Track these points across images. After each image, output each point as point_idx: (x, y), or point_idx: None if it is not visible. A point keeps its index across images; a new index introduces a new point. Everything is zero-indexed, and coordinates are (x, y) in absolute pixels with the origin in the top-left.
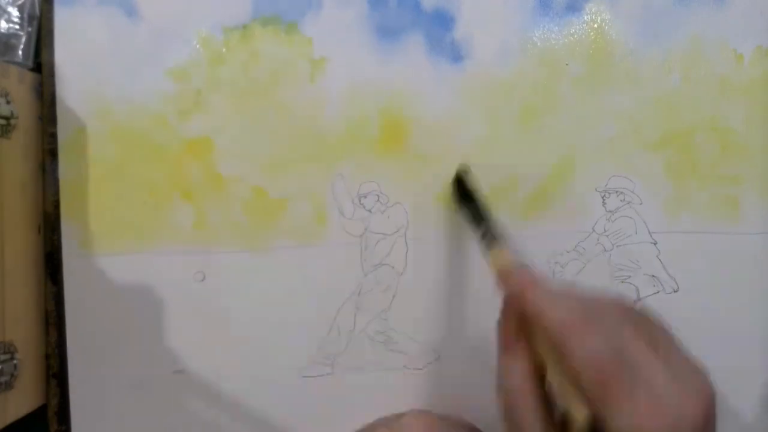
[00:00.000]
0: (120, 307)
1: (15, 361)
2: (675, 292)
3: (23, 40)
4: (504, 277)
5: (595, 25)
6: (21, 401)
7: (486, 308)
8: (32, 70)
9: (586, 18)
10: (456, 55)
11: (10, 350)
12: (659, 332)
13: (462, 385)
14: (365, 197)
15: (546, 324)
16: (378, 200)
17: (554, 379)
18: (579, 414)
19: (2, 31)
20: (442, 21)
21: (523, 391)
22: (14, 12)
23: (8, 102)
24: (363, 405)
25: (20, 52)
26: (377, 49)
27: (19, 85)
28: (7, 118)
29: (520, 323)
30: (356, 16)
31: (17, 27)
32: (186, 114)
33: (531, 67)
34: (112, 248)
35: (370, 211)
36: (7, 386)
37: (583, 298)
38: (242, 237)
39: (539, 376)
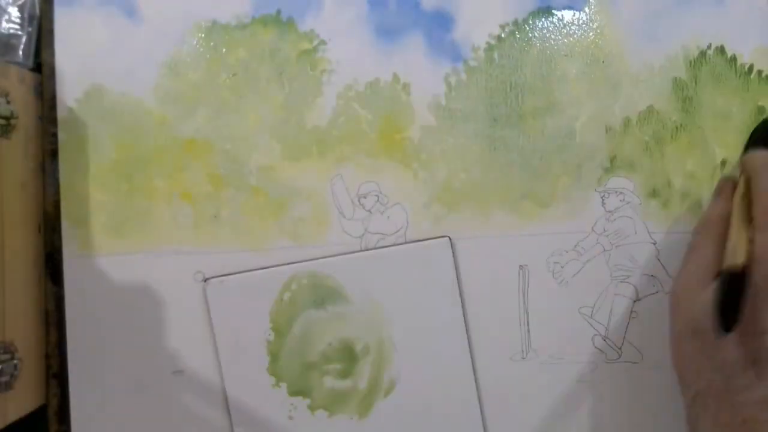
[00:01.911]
0: (120, 307)
1: (15, 361)
2: None
3: (23, 40)
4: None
5: (595, 25)
6: (21, 401)
7: (486, 307)
8: (32, 70)
9: (585, 18)
10: (456, 54)
11: (10, 350)
12: None
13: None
14: (365, 197)
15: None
16: (378, 201)
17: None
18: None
19: (2, 31)
20: (442, 21)
21: (700, 301)
22: (14, 12)
23: (8, 102)
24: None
25: (20, 52)
26: (377, 48)
27: (19, 85)
28: (7, 118)
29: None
30: (356, 15)
31: (17, 27)
32: (186, 114)
33: (530, 67)
34: (112, 248)
35: (369, 211)
36: (7, 386)
37: None
38: (242, 237)
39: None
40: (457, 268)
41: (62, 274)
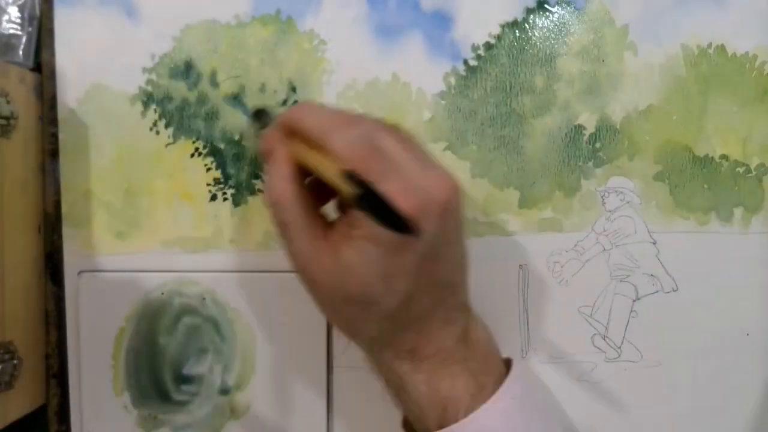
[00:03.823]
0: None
1: (15, 361)
2: (674, 291)
3: (23, 40)
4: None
5: (595, 24)
6: (21, 401)
7: (486, 307)
8: (32, 70)
9: (585, 17)
10: (455, 54)
11: (10, 350)
12: (409, 138)
13: None
14: None
15: (307, 126)
16: None
17: (321, 171)
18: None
19: (2, 31)
20: (441, 20)
21: (284, 191)
22: (14, 12)
23: (8, 102)
24: (362, 403)
25: (20, 52)
26: (377, 48)
27: (19, 85)
28: (7, 118)
29: (283, 137)
30: (356, 15)
31: (17, 27)
32: (186, 114)
33: (530, 66)
34: (112, 248)
35: None
36: (7, 386)
37: (343, 111)
38: (242, 237)
39: (300, 179)
40: None
41: (62, 274)
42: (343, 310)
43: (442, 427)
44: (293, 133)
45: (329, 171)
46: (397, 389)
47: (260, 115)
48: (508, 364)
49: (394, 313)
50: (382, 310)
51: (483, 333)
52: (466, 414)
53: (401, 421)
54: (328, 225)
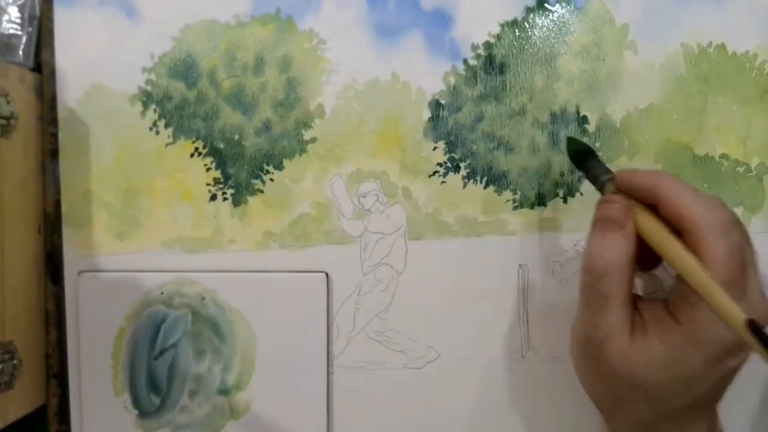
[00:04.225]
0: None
1: (15, 361)
2: None
3: (23, 40)
4: (633, 174)
5: (595, 24)
6: (21, 401)
7: (486, 307)
8: (32, 70)
9: (585, 16)
10: (455, 53)
11: (10, 350)
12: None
13: (462, 384)
14: (364, 197)
15: (676, 208)
16: (377, 200)
17: (689, 275)
18: (735, 318)
19: (2, 31)
20: (441, 20)
21: (621, 265)
22: (14, 12)
23: (8, 102)
24: (362, 405)
25: (20, 52)
26: (376, 47)
27: (19, 85)
28: (7, 118)
29: (632, 205)
30: (355, 14)
31: (17, 27)
32: (186, 114)
33: (530, 65)
34: (112, 248)
35: (369, 210)
36: (7, 386)
37: (711, 199)
38: (242, 237)
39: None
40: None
41: (62, 274)
42: (622, 391)
43: None
44: (642, 199)
45: (711, 291)
46: None
47: (584, 157)
48: None
49: (675, 408)
50: (668, 405)
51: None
52: None
53: None
54: (637, 299)
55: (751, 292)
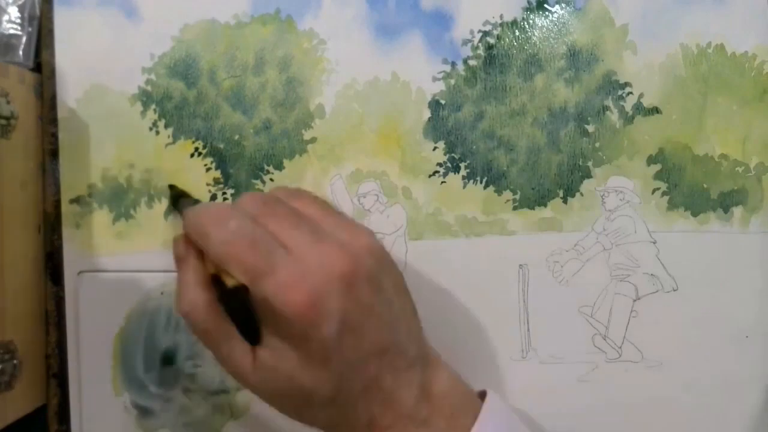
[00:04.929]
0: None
1: (15, 361)
2: (674, 291)
3: (23, 40)
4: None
5: (595, 24)
6: (21, 401)
7: (486, 307)
8: (32, 70)
9: (585, 18)
10: (455, 53)
11: (10, 350)
12: (305, 201)
13: None
14: (364, 197)
15: (192, 232)
16: (377, 200)
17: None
18: (230, 281)
19: (2, 31)
20: (441, 20)
21: (197, 299)
22: (14, 12)
23: (8, 102)
24: None
25: (20, 52)
26: (376, 47)
27: (19, 85)
28: (7, 118)
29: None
30: (355, 14)
31: (17, 27)
32: (186, 114)
33: (530, 65)
34: (112, 248)
35: (369, 210)
36: (7, 386)
37: (225, 205)
38: None
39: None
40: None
41: (62, 274)
42: (286, 405)
43: None
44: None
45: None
46: None
47: (178, 199)
48: (482, 396)
49: (333, 396)
50: (320, 397)
51: (447, 381)
52: None
53: None
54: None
55: (291, 251)
